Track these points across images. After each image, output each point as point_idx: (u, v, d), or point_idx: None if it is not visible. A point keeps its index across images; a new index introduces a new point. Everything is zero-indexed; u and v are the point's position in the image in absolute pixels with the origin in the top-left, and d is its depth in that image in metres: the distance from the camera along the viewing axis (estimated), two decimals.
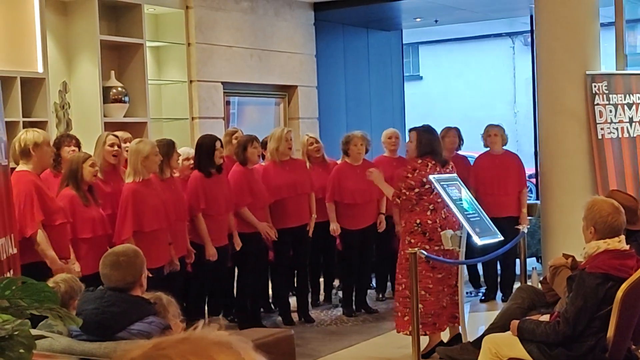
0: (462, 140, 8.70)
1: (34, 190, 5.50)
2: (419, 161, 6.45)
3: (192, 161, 7.16)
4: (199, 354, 1.02)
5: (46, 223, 5.58)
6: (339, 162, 8.28)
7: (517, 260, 7.73)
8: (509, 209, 8.26)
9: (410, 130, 6.74)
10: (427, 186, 6.36)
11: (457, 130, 8.68)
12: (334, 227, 7.92)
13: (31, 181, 5.54)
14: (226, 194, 7.06)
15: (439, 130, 8.60)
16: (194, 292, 6.97)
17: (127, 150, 6.48)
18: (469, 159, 9.02)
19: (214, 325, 1.13)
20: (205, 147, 7.01)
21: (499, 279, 8.71)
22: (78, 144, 6.49)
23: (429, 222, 6.36)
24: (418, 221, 6.38)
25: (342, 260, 8.16)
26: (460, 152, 8.81)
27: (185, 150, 7.29)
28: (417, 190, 6.36)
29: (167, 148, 6.53)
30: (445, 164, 6.58)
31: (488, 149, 8.56)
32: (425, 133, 6.59)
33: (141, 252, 4.05)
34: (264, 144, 8.04)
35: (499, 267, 8.74)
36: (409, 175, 6.41)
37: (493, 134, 8.48)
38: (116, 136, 6.57)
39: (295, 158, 7.97)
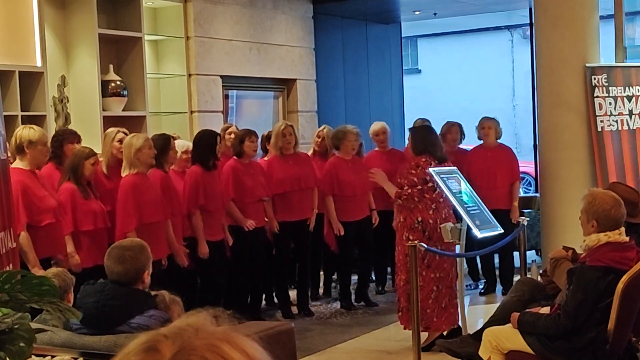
0: (464, 136, 8.71)
1: (20, 190, 5.41)
2: (423, 159, 6.44)
3: (190, 155, 7.13)
4: (230, 342, 1.07)
5: (32, 224, 5.55)
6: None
7: (516, 253, 7.72)
8: (498, 201, 8.17)
9: (409, 129, 6.89)
10: (429, 184, 6.34)
11: (459, 126, 8.67)
12: (339, 228, 7.84)
13: (19, 181, 5.43)
14: (221, 189, 7.06)
15: (440, 125, 8.65)
16: (195, 287, 6.96)
17: None
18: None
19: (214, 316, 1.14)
20: (207, 140, 6.98)
21: (497, 272, 8.70)
22: (80, 142, 6.49)
23: (430, 220, 6.35)
24: (420, 219, 6.35)
25: (340, 253, 8.13)
26: (460, 146, 8.81)
27: (183, 143, 7.26)
28: (419, 187, 6.35)
29: (163, 142, 6.52)
30: (443, 161, 6.55)
31: (482, 141, 8.56)
32: (419, 131, 6.66)
33: (148, 248, 4.01)
34: (264, 138, 8.02)
35: (496, 260, 8.74)
36: (413, 171, 6.42)
37: (487, 127, 8.47)
38: (125, 133, 6.58)
39: (300, 152, 7.95)
